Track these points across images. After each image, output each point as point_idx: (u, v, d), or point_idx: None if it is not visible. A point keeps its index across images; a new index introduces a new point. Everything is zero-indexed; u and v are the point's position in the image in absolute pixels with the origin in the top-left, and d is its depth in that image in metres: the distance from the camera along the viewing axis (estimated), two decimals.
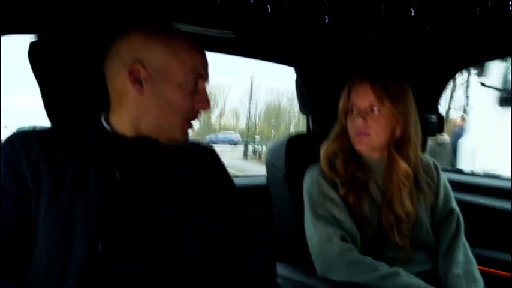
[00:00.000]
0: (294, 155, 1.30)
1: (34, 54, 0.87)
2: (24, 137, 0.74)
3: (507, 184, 1.56)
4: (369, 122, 1.05)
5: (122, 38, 0.79)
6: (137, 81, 0.76)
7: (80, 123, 0.82)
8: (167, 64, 0.76)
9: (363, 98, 1.06)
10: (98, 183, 0.73)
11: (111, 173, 0.74)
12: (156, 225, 0.75)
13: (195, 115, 0.82)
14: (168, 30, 0.80)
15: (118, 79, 0.78)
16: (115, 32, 0.80)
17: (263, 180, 1.48)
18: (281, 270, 0.94)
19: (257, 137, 26.18)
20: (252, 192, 1.55)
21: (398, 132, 1.07)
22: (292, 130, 33.53)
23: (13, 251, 0.69)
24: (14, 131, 0.83)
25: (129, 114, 0.79)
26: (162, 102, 0.77)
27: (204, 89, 0.82)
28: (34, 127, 0.86)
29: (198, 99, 0.80)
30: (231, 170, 0.98)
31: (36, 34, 0.90)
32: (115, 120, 0.80)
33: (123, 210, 0.73)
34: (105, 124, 0.80)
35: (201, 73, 0.80)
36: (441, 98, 1.65)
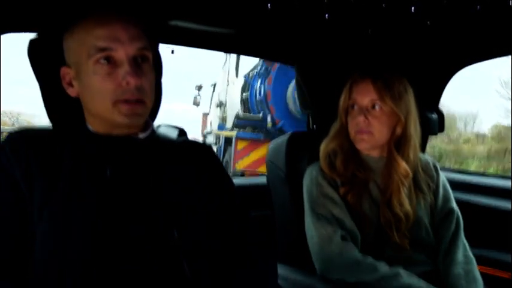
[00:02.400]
0: (294, 153, 1.29)
1: (34, 52, 0.87)
2: (14, 140, 0.74)
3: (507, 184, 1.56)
4: (370, 120, 1.04)
5: None
6: (69, 84, 0.77)
7: (75, 124, 0.81)
8: (78, 54, 0.73)
9: (365, 95, 1.05)
10: (90, 184, 0.73)
11: (102, 174, 0.74)
12: (149, 226, 0.74)
13: (126, 94, 0.71)
14: (75, 21, 0.75)
15: None
16: None
17: (264, 180, 1.47)
18: (282, 270, 0.94)
19: None
20: (253, 192, 1.55)
21: (398, 130, 1.06)
22: None
23: (12, 254, 0.70)
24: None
25: (87, 117, 0.80)
26: (89, 93, 0.74)
27: (126, 60, 0.71)
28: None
29: (122, 75, 0.71)
30: None
31: (36, 32, 0.90)
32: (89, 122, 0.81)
33: (115, 211, 0.73)
34: (89, 126, 0.80)
35: (107, 46, 0.70)
36: (441, 96, 1.64)
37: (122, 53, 0.71)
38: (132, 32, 0.73)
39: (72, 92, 0.77)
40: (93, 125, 0.79)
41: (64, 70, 0.77)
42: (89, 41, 0.71)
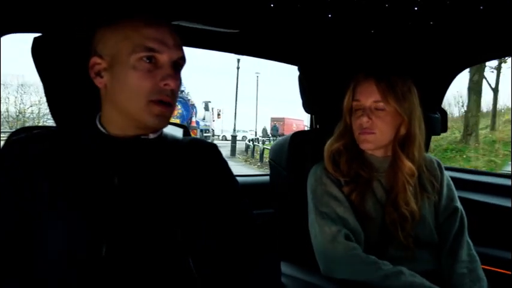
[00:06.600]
0: (296, 153, 1.29)
1: (38, 50, 0.87)
2: (18, 142, 0.75)
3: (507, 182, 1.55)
4: (374, 120, 1.05)
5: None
6: (97, 74, 0.77)
7: (81, 124, 0.82)
8: (118, 48, 0.74)
9: (368, 95, 1.06)
10: (96, 188, 0.73)
11: (109, 178, 0.74)
12: (155, 225, 0.75)
13: (162, 95, 0.74)
14: (122, 17, 0.76)
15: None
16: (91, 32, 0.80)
17: (266, 179, 1.47)
18: (285, 268, 0.94)
19: None
20: (256, 190, 1.55)
21: (403, 130, 1.06)
22: None
23: (15, 256, 0.70)
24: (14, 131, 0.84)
25: (107, 111, 0.79)
26: (122, 87, 0.74)
27: (168, 63, 0.75)
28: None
29: (161, 76, 0.74)
30: None
31: (40, 32, 0.90)
32: (103, 120, 0.80)
33: (122, 214, 0.73)
34: (100, 127, 0.80)
35: (155, 48, 0.73)
36: (444, 96, 1.64)
37: (166, 56, 0.75)
38: (176, 39, 0.77)
39: (99, 82, 0.77)
40: (110, 123, 0.79)
41: (94, 60, 0.76)
42: (137, 38, 0.73)
